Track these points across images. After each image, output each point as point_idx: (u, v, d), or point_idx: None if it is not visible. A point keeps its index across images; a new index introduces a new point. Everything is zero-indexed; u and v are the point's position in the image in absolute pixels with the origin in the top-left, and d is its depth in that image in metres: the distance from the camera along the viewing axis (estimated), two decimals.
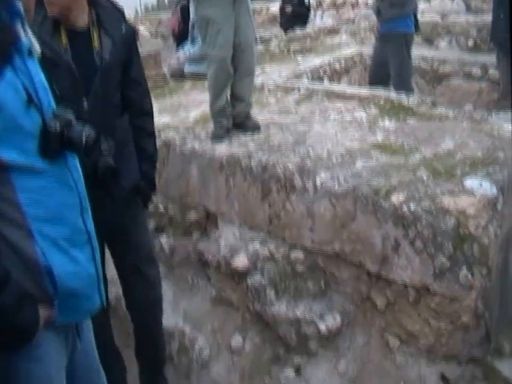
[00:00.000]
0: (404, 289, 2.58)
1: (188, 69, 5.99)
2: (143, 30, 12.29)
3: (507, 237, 2.70)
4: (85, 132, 1.45)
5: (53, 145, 1.39)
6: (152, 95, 2.62)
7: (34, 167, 1.38)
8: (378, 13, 5.67)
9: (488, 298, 2.46)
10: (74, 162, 1.54)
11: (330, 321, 2.78)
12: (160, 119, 4.12)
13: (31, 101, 1.34)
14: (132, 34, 2.37)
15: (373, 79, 5.75)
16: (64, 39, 2.16)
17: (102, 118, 2.17)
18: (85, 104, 2.18)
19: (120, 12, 2.34)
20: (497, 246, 2.52)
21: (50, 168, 1.41)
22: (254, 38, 3.72)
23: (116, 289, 3.00)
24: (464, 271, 2.41)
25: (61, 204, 1.45)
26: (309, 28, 8.67)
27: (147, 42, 8.27)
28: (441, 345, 2.52)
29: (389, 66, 5.49)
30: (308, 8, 9.57)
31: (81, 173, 1.56)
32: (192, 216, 3.59)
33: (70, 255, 1.47)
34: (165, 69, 6.08)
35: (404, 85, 5.25)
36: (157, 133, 2.71)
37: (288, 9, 9.26)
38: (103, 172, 1.96)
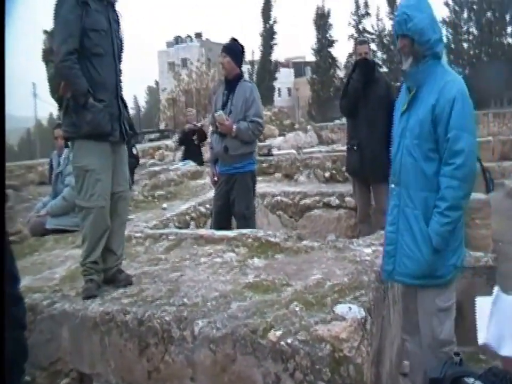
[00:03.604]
0: None
1: (50, 223, 6.01)
2: None
3: (377, 352, 3.03)
4: None
5: None
6: None
7: None
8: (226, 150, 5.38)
9: None
10: None
11: None
12: (21, 281, 4.07)
13: None
14: None
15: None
16: None
17: None
18: None
19: None
20: (369, 362, 2.81)
21: None
22: (128, 186, 4.00)
23: None
24: None
25: None
26: (173, 172, 9.14)
27: None
28: None
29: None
30: (137, 158, 9.32)
31: None
32: (64, 382, 3.52)
33: None
34: (21, 226, 6.02)
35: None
36: None
37: None
38: None
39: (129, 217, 6.02)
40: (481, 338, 1.99)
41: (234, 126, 5.19)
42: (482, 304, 2.07)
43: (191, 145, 10.88)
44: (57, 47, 3.58)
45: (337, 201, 7.02)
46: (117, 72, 3.78)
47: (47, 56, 3.78)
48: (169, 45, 64.84)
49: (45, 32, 3.79)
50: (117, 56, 3.78)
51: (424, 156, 3.01)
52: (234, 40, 5.55)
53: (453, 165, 2.90)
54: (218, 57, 5.69)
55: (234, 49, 5.47)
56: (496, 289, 2.10)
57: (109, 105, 3.68)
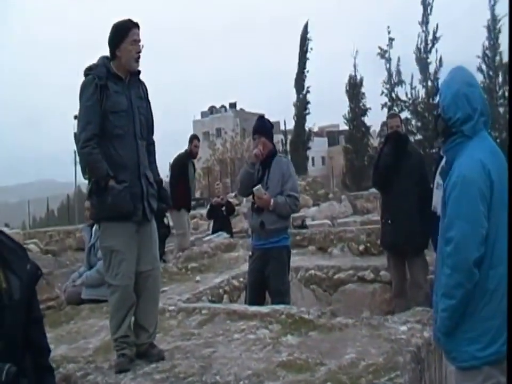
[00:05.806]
0: None
1: (85, 293, 6.13)
2: (32, 246, 12.43)
3: None
4: (6, 369, 1.59)
5: None
6: (46, 321, 2.72)
7: None
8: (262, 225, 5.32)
9: None
10: None
11: None
12: (56, 350, 4.13)
13: None
14: (36, 273, 2.58)
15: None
16: None
17: (10, 359, 2.27)
18: None
19: (23, 250, 2.57)
20: None
21: None
22: (157, 263, 4.05)
23: None
24: None
25: None
26: (206, 245, 9.23)
27: (37, 260, 8.28)
28: None
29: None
30: (168, 228, 9.47)
31: None
32: None
33: None
34: (58, 291, 6.14)
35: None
36: (54, 366, 2.76)
37: None
38: None
39: (164, 288, 6.10)
40: None
41: (272, 200, 5.28)
42: None
43: (219, 217, 11.09)
44: (78, 134, 3.81)
45: (371, 275, 6.97)
46: (139, 151, 3.89)
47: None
48: (203, 114, 66.31)
49: (75, 117, 4.02)
50: (138, 135, 3.90)
51: (442, 235, 2.87)
52: (261, 118, 5.70)
53: (445, 252, 2.75)
54: (252, 141, 5.69)
55: (265, 127, 5.58)
56: None
57: (130, 186, 3.79)
